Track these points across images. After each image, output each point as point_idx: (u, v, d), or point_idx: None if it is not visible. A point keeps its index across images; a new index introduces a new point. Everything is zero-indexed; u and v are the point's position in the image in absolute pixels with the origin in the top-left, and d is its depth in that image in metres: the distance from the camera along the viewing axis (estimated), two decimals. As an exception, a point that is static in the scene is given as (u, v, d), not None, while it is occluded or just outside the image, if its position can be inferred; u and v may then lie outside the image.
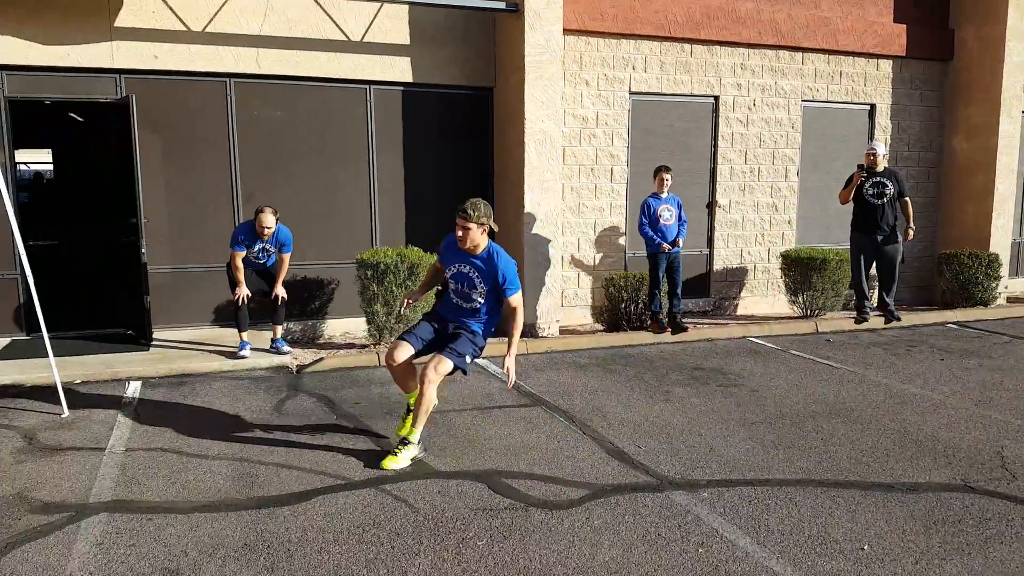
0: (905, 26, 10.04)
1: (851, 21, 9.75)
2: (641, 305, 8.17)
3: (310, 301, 8.03)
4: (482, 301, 4.37)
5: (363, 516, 3.77)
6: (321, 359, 6.83)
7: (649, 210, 7.87)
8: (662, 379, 6.43)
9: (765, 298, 9.81)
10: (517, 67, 7.84)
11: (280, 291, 6.96)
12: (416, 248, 7.55)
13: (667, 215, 7.88)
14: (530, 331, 7.91)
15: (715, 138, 9.33)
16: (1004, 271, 9.94)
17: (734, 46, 9.23)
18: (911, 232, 8.39)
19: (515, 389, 6.07)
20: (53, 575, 3.20)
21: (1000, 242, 10.10)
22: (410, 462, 4.41)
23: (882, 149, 8.33)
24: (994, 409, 5.59)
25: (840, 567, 3.28)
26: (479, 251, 4.28)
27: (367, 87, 8.01)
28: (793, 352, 7.48)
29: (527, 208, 7.85)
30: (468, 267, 4.31)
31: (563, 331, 8.27)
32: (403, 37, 7.97)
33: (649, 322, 8.10)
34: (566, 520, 3.71)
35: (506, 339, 4.49)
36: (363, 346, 7.50)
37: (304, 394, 5.95)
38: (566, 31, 8.27)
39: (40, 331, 5.44)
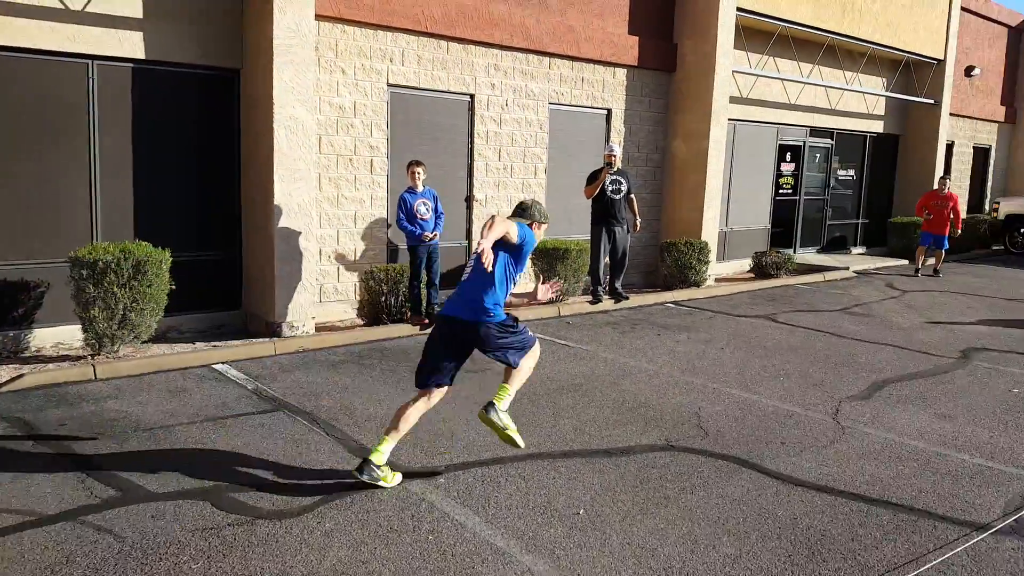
0: (638, 38, 11.09)
1: (592, 30, 10.56)
2: (401, 298, 8.25)
3: (12, 308, 6.98)
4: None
5: (55, 554, 3.35)
6: (21, 375, 5.92)
7: (405, 205, 7.99)
8: (415, 371, 6.54)
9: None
10: (265, 50, 7.49)
11: None
12: (145, 243, 6.84)
13: (423, 209, 8.04)
14: (276, 330, 7.63)
15: (472, 135, 9.66)
16: (713, 256, 11.42)
17: (488, 46, 9.59)
18: (638, 224, 9.51)
19: (256, 394, 5.83)
20: None
21: (710, 232, 11.60)
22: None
23: (618, 150, 9.33)
24: (697, 375, 6.48)
25: (558, 533, 3.60)
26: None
27: (89, 62, 7.20)
28: (536, 335, 7.99)
29: (277, 198, 7.56)
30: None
31: (320, 328, 8.10)
32: (135, 10, 7.26)
33: (409, 314, 8.23)
34: (295, 528, 3.63)
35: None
36: (79, 357, 6.64)
37: (-4, 418, 5.17)
38: (319, 17, 8.06)
39: None
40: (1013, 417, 5.59)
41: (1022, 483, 4.38)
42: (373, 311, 8.28)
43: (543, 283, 4.68)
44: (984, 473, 4.52)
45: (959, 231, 13.53)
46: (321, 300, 8.41)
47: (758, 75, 12.69)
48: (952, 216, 12.90)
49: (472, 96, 9.57)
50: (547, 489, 4.10)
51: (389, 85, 8.84)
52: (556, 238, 10.21)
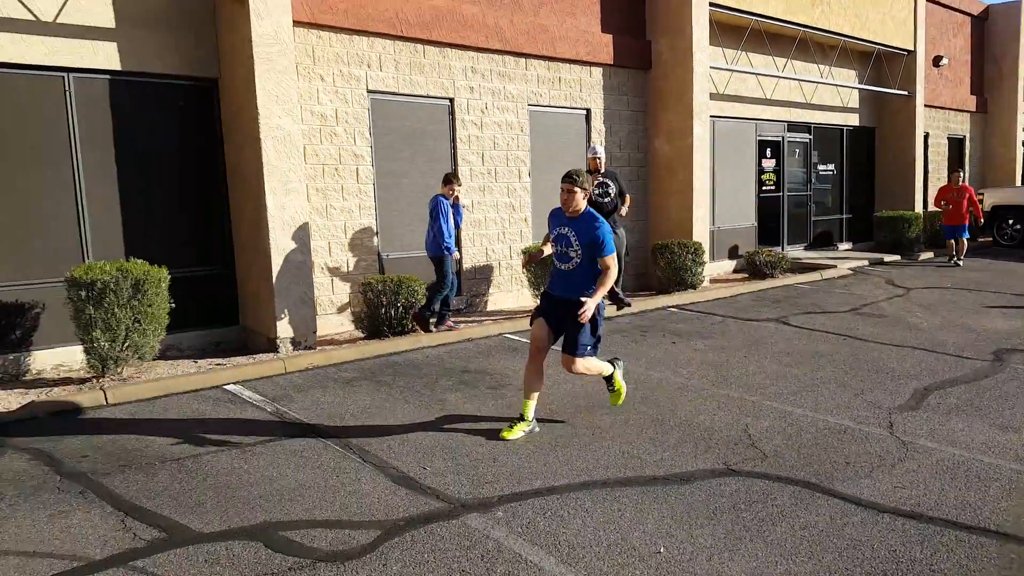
0: (611, 36, 10.94)
1: (566, 29, 10.37)
2: (401, 309, 7.95)
3: (9, 331, 6.60)
4: (578, 260, 4.96)
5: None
6: (31, 402, 5.66)
7: (446, 216, 8.10)
8: (433, 387, 6.29)
9: (511, 293, 10.16)
10: (246, 58, 7.12)
11: None
12: (141, 261, 6.54)
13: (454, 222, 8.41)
14: (278, 346, 7.32)
15: (454, 140, 9.39)
16: (707, 257, 11.34)
17: (463, 49, 9.33)
18: (624, 211, 9.19)
19: (277, 417, 5.54)
20: None
21: (701, 232, 11.52)
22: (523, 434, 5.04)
23: (602, 152, 9.10)
24: (730, 387, 6.23)
25: (643, 575, 3.38)
26: (578, 215, 4.98)
27: (65, 75, 6.74)
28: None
29: (270, 212, 7.20)
30: (567, 228, 4.99)
31: (321, 342, 7.77)
32: (107, 19, 6.83)
33: (436, 323, 8.29)
34: (362, 571, 3.39)
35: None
36: (83, 380, 6.38)
37: (12, 450, 4.86)
38: (296, 23, 7.72)
39: None
40: (1077, 427, 5.14)
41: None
42: (373, 323, 7.97)
43: None
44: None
45: (981, 220, 14.23)
46: (318, 313, 8.06)
47: (734, 71, 12.69)
48: (972, 207, 13.49)
49: (451, 100, 9.31)
50: (615, 524, 3.87)
51: (369, 91, 8.52)
52: (534, 244, 10.02)
